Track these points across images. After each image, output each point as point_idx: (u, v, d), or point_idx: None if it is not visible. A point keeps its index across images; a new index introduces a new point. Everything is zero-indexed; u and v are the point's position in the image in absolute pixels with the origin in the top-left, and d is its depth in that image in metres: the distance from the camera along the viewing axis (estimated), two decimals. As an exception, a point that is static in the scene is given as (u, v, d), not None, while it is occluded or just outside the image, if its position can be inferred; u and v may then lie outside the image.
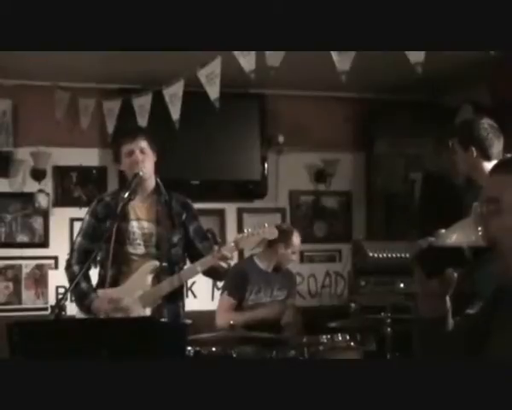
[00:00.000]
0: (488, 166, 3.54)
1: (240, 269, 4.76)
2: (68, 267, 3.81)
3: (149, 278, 3.69)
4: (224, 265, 3.69)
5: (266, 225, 3.87)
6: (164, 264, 3.72)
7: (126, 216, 3.73)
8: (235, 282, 4.67)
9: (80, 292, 3.69)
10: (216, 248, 3.68)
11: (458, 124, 3.71)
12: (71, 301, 4.24)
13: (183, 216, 3.85)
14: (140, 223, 3.76)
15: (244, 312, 4.61)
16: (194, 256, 3.84)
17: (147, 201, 3.81)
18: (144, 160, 3.72)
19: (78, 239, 3.83)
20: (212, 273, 3.85)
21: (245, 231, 3.81)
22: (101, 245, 3.63)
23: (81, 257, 3.74)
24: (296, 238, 4.85)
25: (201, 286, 5.57)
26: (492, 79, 5.27)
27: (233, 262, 3.80)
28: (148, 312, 3.64)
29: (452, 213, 4.12)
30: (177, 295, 3.79)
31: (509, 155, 1.97)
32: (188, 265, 3.89)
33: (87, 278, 3.75)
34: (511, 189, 1.71)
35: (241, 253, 5.12)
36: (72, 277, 3.68)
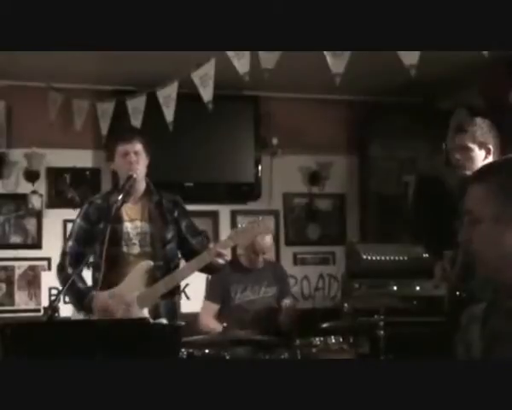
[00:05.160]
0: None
1: (221, 273, 4.74)
2: (61, 271, 3.77)
3: (144, 278, 3.69)
4: (220, 261, 3.70)
5: (260, 218, 3.91)
6: (158, 263, 3.73)
7: (119, 218, 3.72)
8: (213, 287, 4.84)
9: (78, 292, 3.67)
10: (211, 245, 3.69)
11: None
12: (64, 302, 4.23)
13: (175, 213, 3.87)
14: (134, 223, 3.77)
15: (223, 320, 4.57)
16: (188, 252, 3.85)
17: (138, 202, 3.82)
18: (138, 162, 3.72)
19: (70, 243, 3.80)
20: (209, 270, 3.86)
21: (239, 226, 3.83)
22: (95, 248, 3.63)
23: (74, 260, 3.73)
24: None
25: (194, 288, 5.56)
26: (485, 82, 5.28)
27: (228, 257, 3.77)
28: (145, 312, 3.64)
29: (445, 216, 4.14)
30: (172, 294, 3.79)
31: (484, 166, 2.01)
32: (182, 262, 3.89)
33: (82, 280, 3.74)
34: (479, 199, 1.74)
35: (233, 248, 5.14)
36: (66, 279, 3.63)
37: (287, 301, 4.81)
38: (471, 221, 1.76)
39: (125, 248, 3.74)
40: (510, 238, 1.70)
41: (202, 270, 3.83)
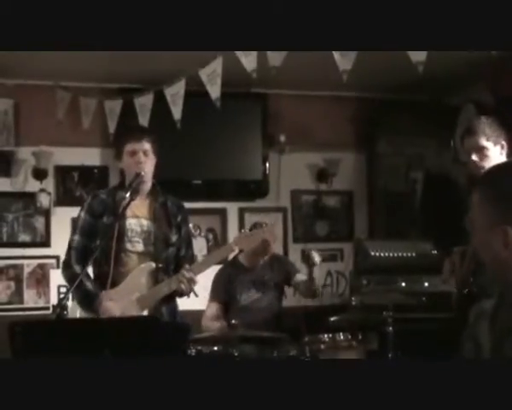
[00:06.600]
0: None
1: (223, 273, 4.79)
2: (67, 268, 3.72)
3: (145, 280, 3.67)
4: (183, 287, 3.62)
5: (264, 225, 3.88)
6: (160, 265, 3.70)
7: (124, 214, 3.69)
8: (217, 287, 4.74)
9: (87, 293, 3.61)
10: (186, 267, 3.64)
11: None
12: (73, 300, 4.22)
13: (179, 218, 3.84)
14: (138, 220, 3.74)
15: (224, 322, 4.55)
16: (178, 261, 3.83)
17: (144, 200, 3.79)
18: (146, 162, 3.70)
19: (76, 237, 3.74)
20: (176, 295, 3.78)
21: (242, 231, 3.79)
22: (99, 242, 3.60)
23: (80, 256, 3.68)
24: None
25: (203, 285, 5.56)
26: (493, 78, 5.27)
27: (195, 284, 3.68)
28: (145, 313, 3.61)
29: (453, 213, 4.14)
30: (171, 299, 3.77)
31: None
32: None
33: (90, 279, 3.69)
34: (476, 205, 1.80)
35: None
36: (73, 277, 3.58)
37: (300, 278, 4.82)
38: (471, 225, 1.82)
39: (128, 245, 3.70)
40: (500, 244, 1.72)
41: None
